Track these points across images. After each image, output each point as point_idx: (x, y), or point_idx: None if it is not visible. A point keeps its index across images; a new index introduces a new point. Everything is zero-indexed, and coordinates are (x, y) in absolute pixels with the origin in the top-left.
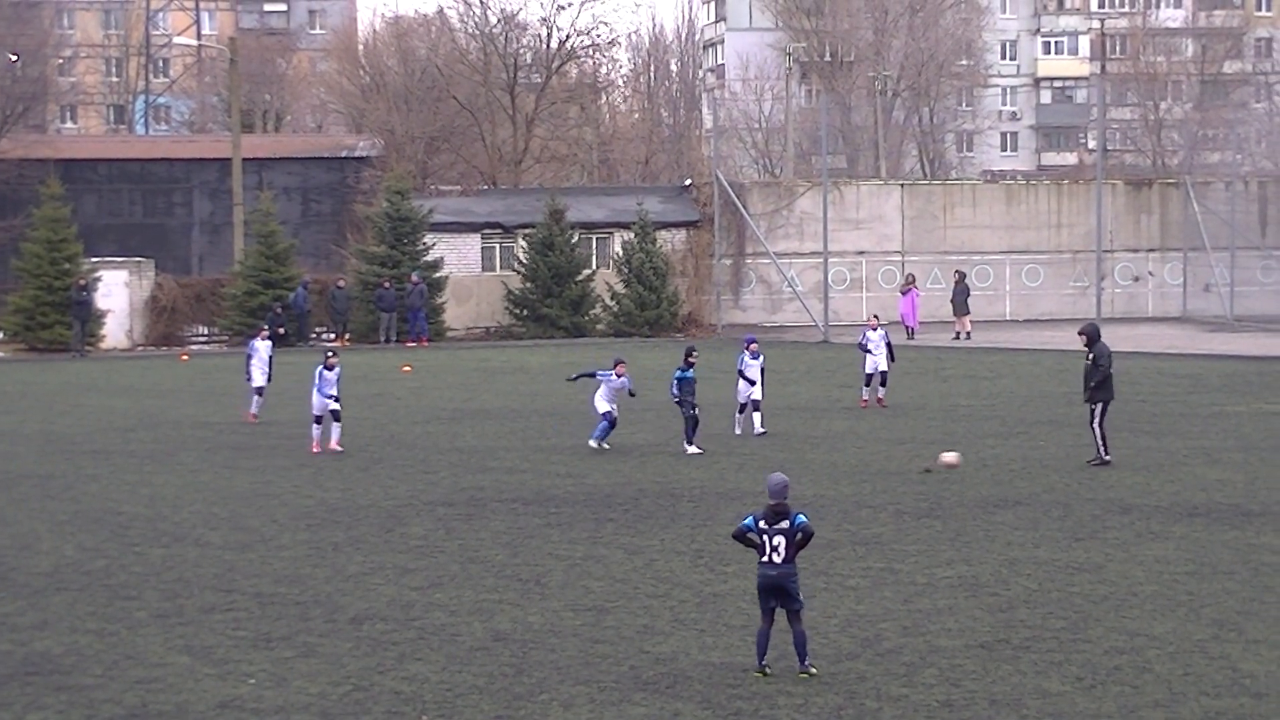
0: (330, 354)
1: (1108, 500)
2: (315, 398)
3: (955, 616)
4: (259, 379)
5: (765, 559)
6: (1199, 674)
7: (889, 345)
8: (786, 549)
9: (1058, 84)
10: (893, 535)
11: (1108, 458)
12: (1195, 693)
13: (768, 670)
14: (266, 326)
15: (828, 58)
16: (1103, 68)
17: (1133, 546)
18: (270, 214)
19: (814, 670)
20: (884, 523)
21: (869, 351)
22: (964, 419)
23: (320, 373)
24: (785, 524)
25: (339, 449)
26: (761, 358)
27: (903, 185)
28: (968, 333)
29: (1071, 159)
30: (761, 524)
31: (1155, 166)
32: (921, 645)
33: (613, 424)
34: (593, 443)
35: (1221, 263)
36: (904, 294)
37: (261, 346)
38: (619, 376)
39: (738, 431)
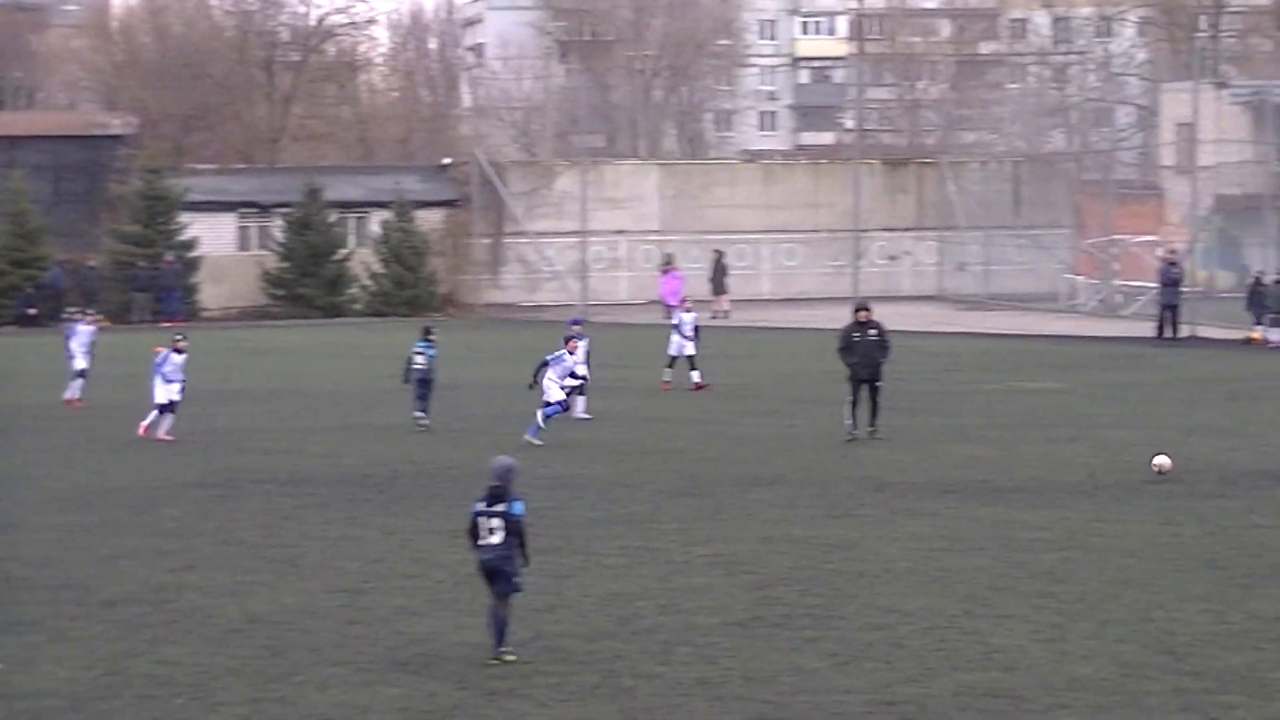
0: (179, 337)
1: (863, 478)
2: (158, 382)
3: (712, 594)
4: (81, 362)
5: (483, 541)
6: (952, 649)
7: (696, 329)
8: (504, 532)
9: (815, 64)
10: (650, 514)
11: (858, 432)
12: (948, 667)
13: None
14: (80, 311)
15: (588, 37)
16: (860, 48)
17: (887, 523)
18: (21, 193)
19: (509, 658)
20: (642, 501)
21: (681, 333)
22: (722, 398)
23: (167, 356)
24: (502, 507)
25: (169, 438)
26: (586, 339)
27: (661, 165)
28: (726, 312)
29: (829, 139)
30: (481, 505)
31: (911, 146)
32: (678, 623)
33: (565, 409)
34: (531, 438)
35: (976, 242)
36: (663, 274)
37: (83, 330)
38: (571, 354)
39: (586, 416)
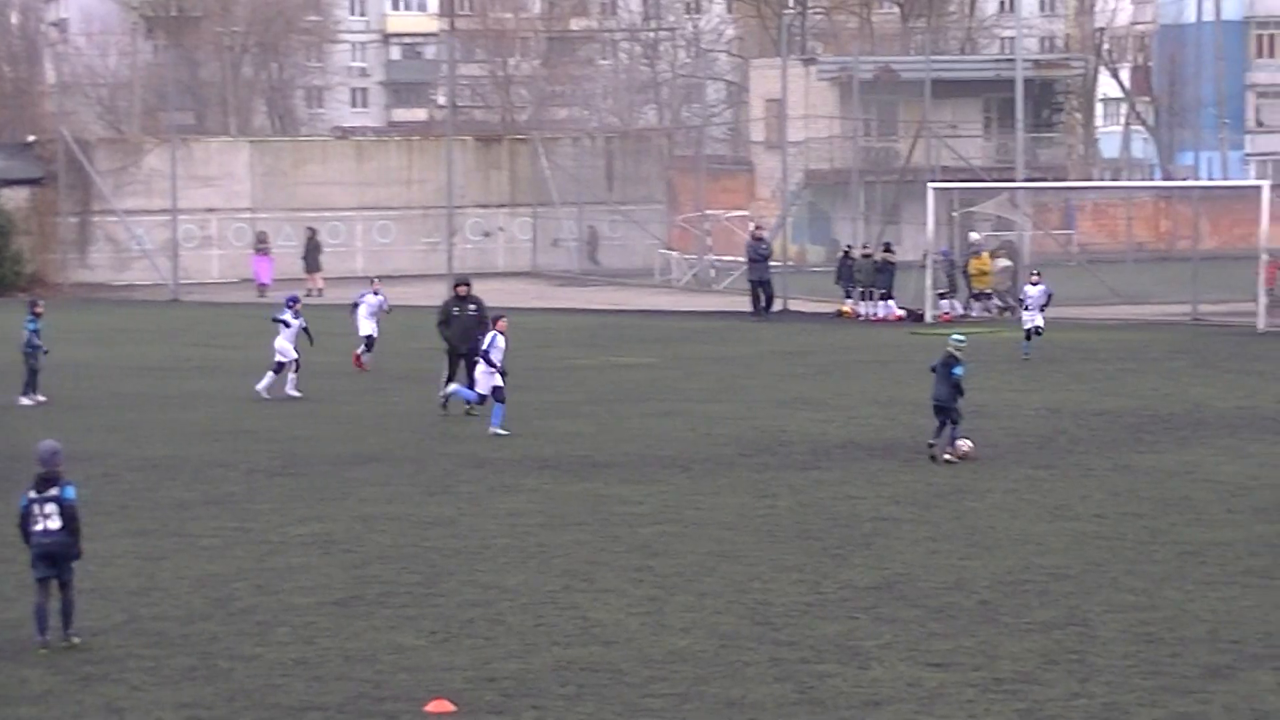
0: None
1: (461, 455)
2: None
3: (309, 574)
4: None
5: (40, 528)
6: (551, 624)
7: (388, 308)
8: (61, 517)
9: (407, 40)
10: (246, 494)
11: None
12: (547, 643)
13: (46, 647)
14: None
15: (174, 13)
16: (451, 24)
17: (485, 500)
18: None
19: (77, 640)
20: (237, 481)
21: (371, 315)
22: (313, 375)
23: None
24: (55, 491)
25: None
26: (301, 318)
27: (252, 142)
28: (320, 289)
29: (422, 115)
30: (33, 493)
31: (504, 123)
32: (275, 604)
33: (482, 400)
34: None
35: (570, 217)
36: (257, 253)
37: None
38: (502, 334)
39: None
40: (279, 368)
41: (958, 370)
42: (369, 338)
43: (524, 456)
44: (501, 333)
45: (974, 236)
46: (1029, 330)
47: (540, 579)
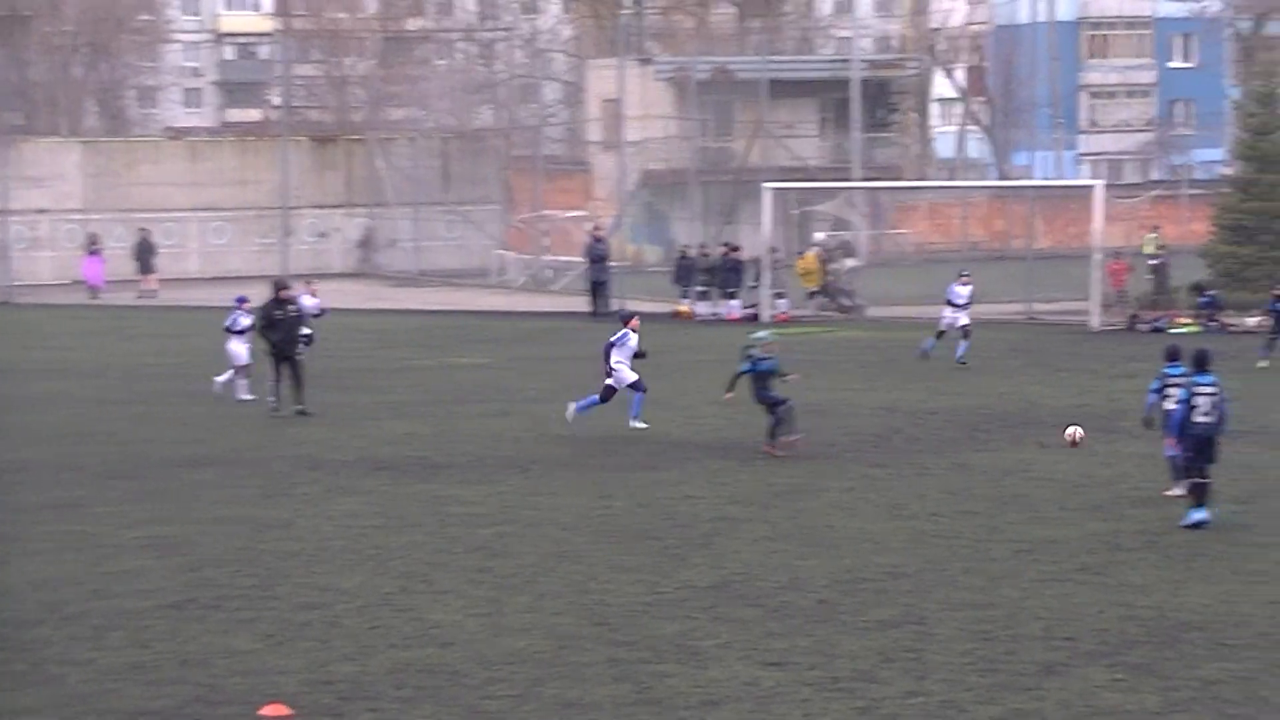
0: None
1: (297, 457)
2: None
3: (144, 577)
4: None
5: None
6: (388, 626)
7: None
8: None
9: (241, 40)
10: (82, 498)
11: (298, 407)
12: (384, 645)
13: None
14: None
15: (3, 12)
16: (286, 24)
17: (322, 502)
18: None
19: None
20: (73, 485)
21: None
22: (151, 378)
23: None
24: None
25: None
26: (252, 317)
27: (83, 142)
28: (154, 291)
29: (256, 115)
30: None
31: (340, 123)
32: (109, 608)
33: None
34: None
35: (406, 218)
36: (89, 254)
37: None
38: (634, 332)
39: None
40: (237, 370)
41: (768, 365)
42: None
43: (361, 458)
44: (634, 330)
45: (818, 237)
46: (961, 329)
47: (377, 581)
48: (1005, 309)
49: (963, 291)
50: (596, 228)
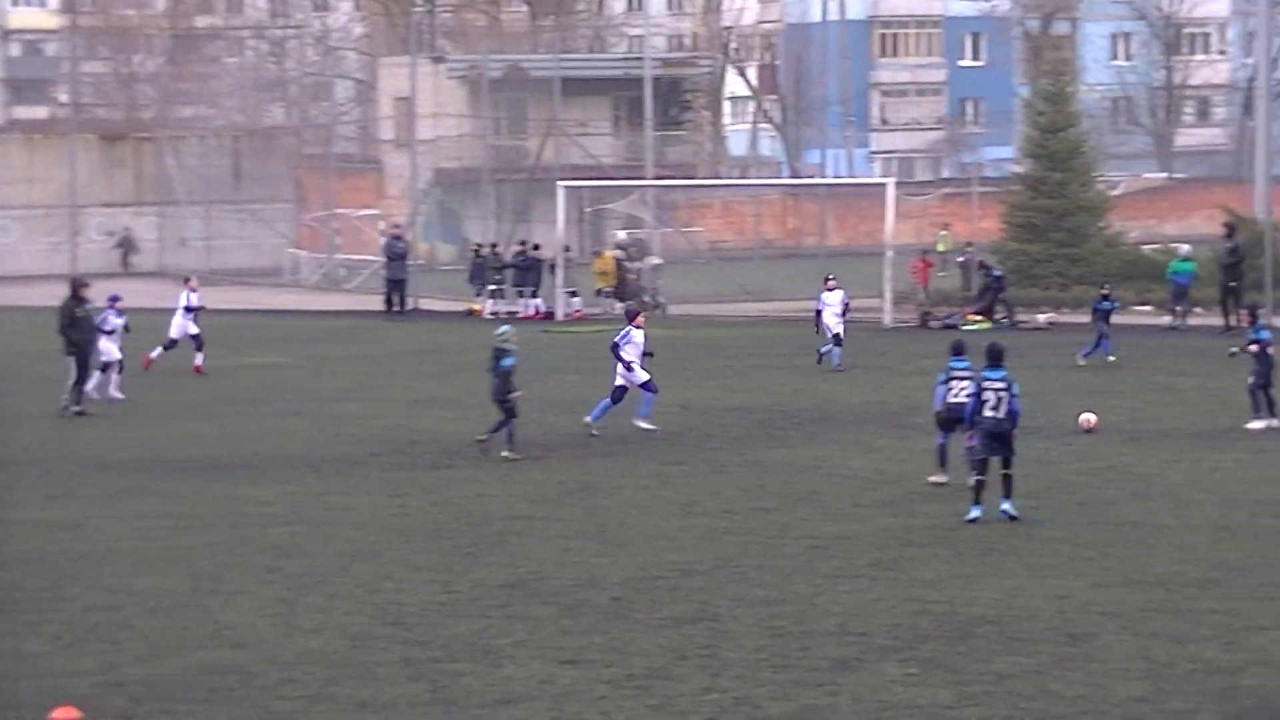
0: None
1: (86, 457)
2: None
3: None
4: None
5: None
6: (181, 628)
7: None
8: None
9: (27, 36)
10: None
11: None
12: (176, 646)
13: None
14: None
15: None
16: (73, 21)
17: (113, 503)
18: None
19: None
20: None
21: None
22: None
23: None
24: None
25: None
26: (123, 316)
27: None
28: None
29: (43, 113)
30: None
31: (129, 121)
32: None
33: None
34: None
35: (197, 216)
36: None
37: None
38: (638, 329)
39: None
40: (105, 368)
41: (506, 362)
42: (173, 340)
43: (151, 459)
44: (639, 327)
45: (621, 236)
46: (833, 336)
47: (169, 582)
48: (798, 306)
49: (830, 298)
50: (394, 226)
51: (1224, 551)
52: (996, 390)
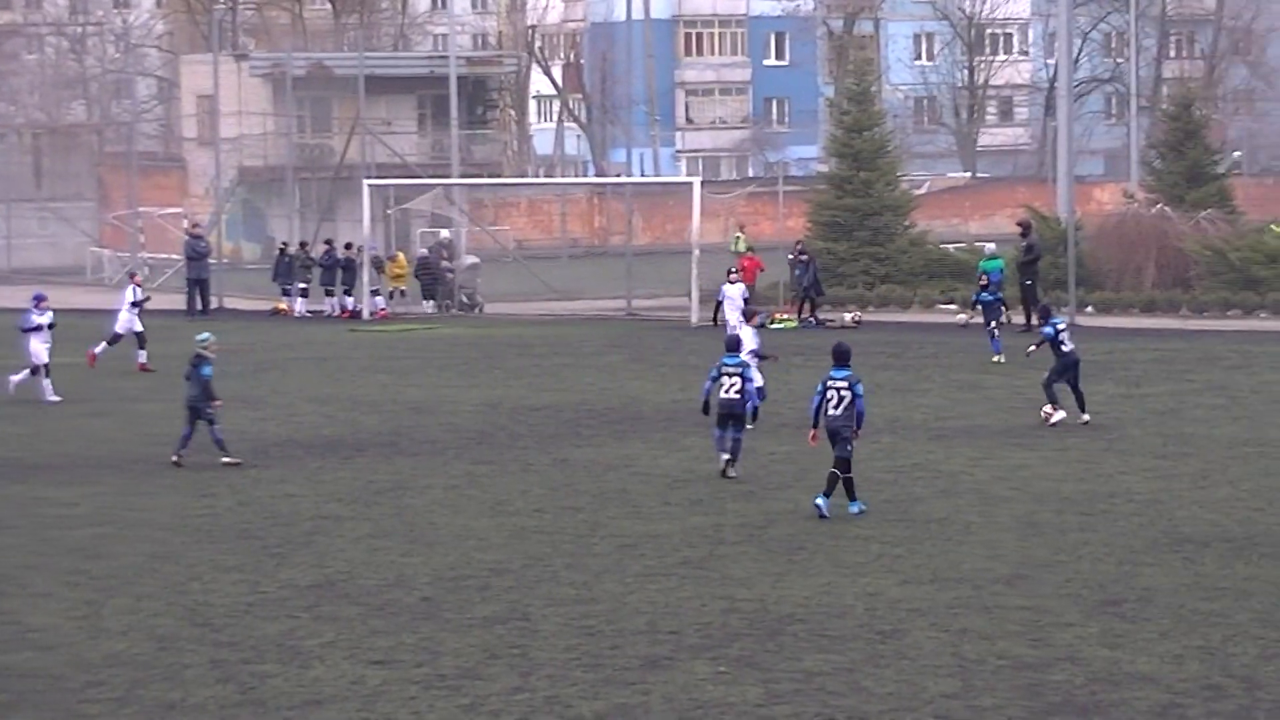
0: None
1: None
2: None
3: None
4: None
5: None
6: None
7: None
8: None
9: None
10: None
11: None
12: None
13: None
14: None
15: None
16: None
17: None
18: None
19: None
20: None
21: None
22: None
23: None
24: None
25: None
26: (48, 315)
27: None
28: None
29: None
30: None
31: None
32: None
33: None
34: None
35: None
36: None
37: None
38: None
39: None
40: (35, 370)
41: (206, 370)
42: (118, 335)
43: None
44: (754, 327)
45: (444, 235)
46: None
47: None
48: (605, 305)
49: (732, 291)
50: (194, 225)
51: (1031, 548)
52: (839, 389)
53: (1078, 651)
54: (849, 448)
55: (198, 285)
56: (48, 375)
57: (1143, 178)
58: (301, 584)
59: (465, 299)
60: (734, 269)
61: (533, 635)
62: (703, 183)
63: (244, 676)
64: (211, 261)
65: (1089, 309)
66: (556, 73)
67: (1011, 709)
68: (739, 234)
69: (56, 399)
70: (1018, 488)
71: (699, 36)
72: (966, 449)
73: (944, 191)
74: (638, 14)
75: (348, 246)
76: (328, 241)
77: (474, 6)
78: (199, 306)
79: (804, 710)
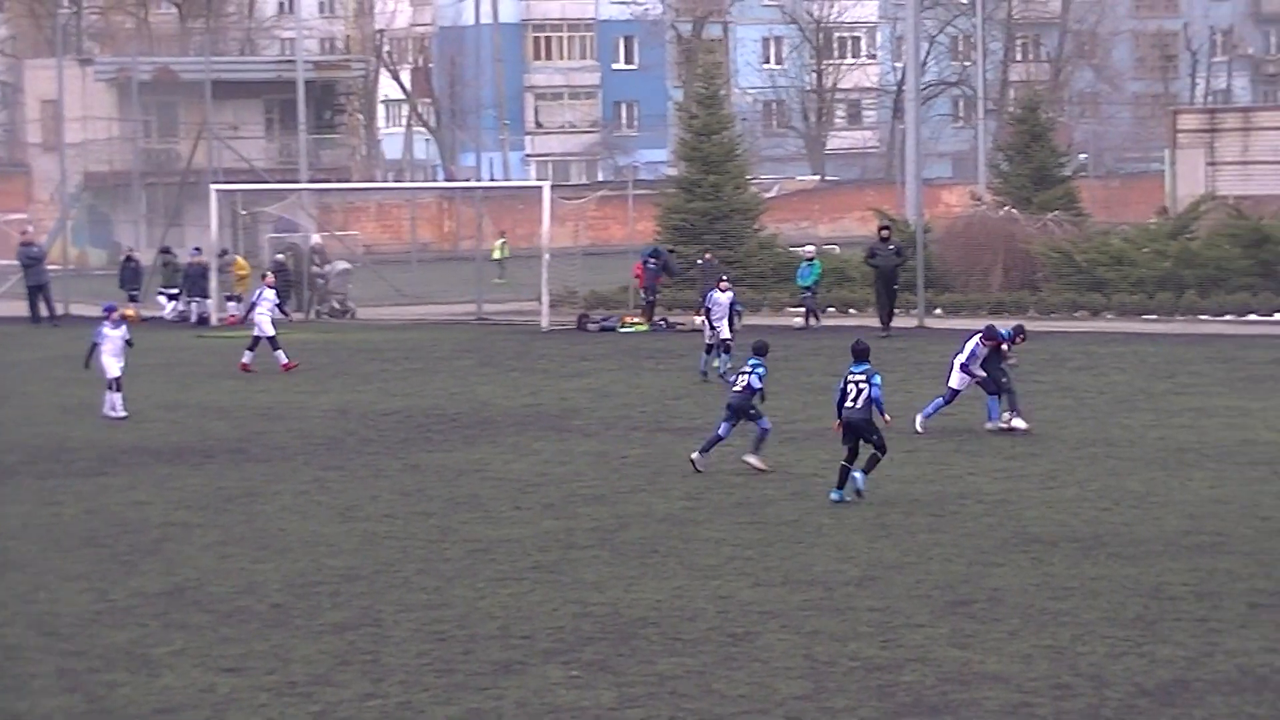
0: None
1: None
2: None
3: None
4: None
5: None
6: None
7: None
8: None
9: None
10: None
11: None
12: None
13: None
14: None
15: None
16: None
17: None
18: None
19: None
20: None
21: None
22: None
23: None
24: None
25: None
26: (121, 327)
27: None
28: None
29: None
30: None
31: None
32: None
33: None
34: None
35: None
36: None
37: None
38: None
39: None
40: (110, 384)
41: None
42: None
43: None
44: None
45: (315, 240)
46: (720, 344)
47: None
48: (455, 309)
49: (721, 299)
50: (23, 232)
51: (881, 550)
52: (858, 383)
53: (928, 652)
54: (875, 435)
55: (39, 291)
56: (119, 389)
57: (990, 180)
58: (150, 592)
59: (337, 304)
60: (724, 276)
61: (384, 641)
62: (553, 187)
63: (92, 686)
64: (54, 267)
65: (938, 311)
66: (405, 77)
67: (863, 710)
68: (500, 240)
69: (118, 415)
70: (869, 489)
71: (548, 40)
72: (817, 451)
73: (793, 195)
74: (486, 18)
75: (198, 250)
76: (164, 249)
77: (321, 11)
78: (44, 313)
79: (656, 714)
